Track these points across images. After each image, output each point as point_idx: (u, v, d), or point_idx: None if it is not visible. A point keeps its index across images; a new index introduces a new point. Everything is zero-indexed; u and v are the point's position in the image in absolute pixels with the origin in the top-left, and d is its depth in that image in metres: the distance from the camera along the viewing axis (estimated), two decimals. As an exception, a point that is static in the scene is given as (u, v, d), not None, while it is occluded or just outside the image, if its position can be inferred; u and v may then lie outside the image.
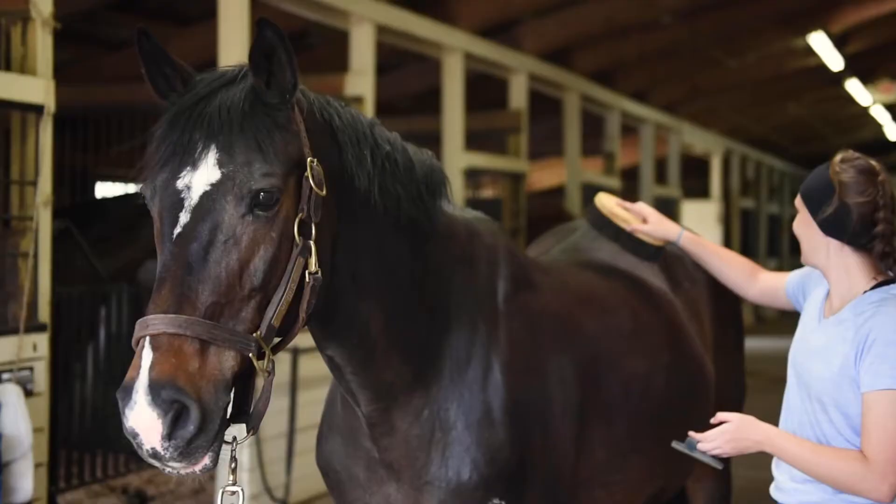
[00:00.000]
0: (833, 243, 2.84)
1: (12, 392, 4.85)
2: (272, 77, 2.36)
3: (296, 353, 6.82)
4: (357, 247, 2.61)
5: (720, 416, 2.86)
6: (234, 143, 2.29)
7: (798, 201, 2.92)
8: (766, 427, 2.82)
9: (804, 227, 2.90)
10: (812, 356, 2.88)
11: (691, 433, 2.87)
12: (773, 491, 2.98)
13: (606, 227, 3.61)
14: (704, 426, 2.92)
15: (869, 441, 2.68)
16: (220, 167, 2.28)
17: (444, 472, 2.80)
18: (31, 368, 5.09)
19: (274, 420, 6.81)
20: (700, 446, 2.83)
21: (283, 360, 6.80)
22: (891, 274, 2.82)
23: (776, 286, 3.37)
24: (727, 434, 2.80)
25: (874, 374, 2.68)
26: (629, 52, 13.32)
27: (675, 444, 2.88)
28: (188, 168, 2.29)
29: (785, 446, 2.78)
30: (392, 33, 8.89)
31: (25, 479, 4.83)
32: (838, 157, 2.87)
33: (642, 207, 3.63)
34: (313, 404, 6.18)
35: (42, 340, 5.16)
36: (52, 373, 5.33)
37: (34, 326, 5.12)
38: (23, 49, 5.15)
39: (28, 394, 5.00)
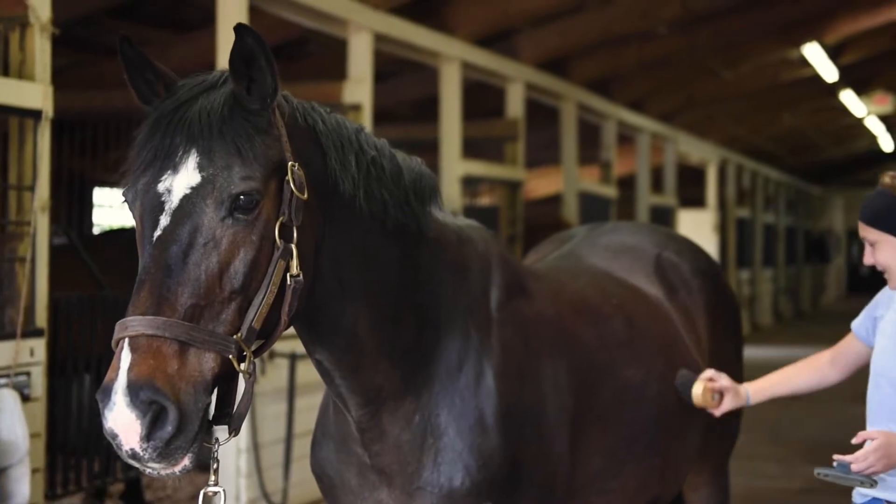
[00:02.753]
0: None
1: (9, 397, 4.86)
2: (252, 83, 2.37)
3: (294, 358, 6.82)
4: (343, 251, 2.61)
5: (861, 434, 2.85)
6: (213, 148, 2.31)
7: (872, 233, 2.94)
8: None
9: (891, 249, 2.93)
10: None
11: (837, 456, 2.83)
12: (878, 491, 2.93)
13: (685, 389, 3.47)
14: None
15: None
16: (200, 171, 2.30)
17: (436, 478, 2.80)
18: (27, 373, 5.09)
19: (272, 425, 6.82)
20: (854, 467, 2.80)
21: (281, 367, 6.80)
22: None
23: (848, 347, 3.33)
24: (879, 450, 2.79)
25: None
26: (626, 62, 13.34)
27: (822, 473, 2.84)
28: (169, 172, 2.31)
29: None
30: (390, 42, 8.91)
31: (22, 485, 4.84)
32: (886, 178, 2.93)
33: (723, 384, 3.42)
34: (311, 410, 6.17)
35: (39, 345, 5.16)
36: (48, 378, 5.34)
37: (31, 331, 5.12)
38: (21, 54, 5.16)
39: (25, 399, 5.01)
